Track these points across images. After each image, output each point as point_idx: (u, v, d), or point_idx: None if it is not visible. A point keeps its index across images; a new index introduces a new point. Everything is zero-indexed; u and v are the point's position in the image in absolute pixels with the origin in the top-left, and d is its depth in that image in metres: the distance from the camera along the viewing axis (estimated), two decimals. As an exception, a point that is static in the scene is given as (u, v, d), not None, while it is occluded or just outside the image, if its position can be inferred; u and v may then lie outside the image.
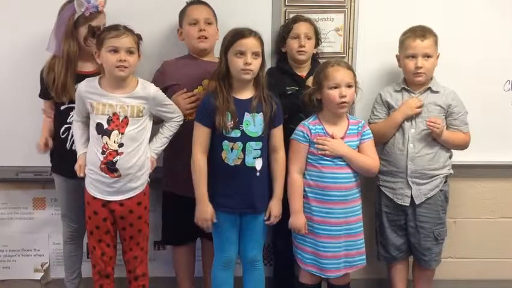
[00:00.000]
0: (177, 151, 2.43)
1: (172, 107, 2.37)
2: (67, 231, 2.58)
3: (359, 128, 2.38)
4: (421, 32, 2.47)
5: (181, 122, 2.39)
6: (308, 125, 2.35)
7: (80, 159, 2.30)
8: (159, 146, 2.37)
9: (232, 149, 2.25)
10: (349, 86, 2.29)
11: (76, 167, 2.29)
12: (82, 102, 2.26)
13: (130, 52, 2.19)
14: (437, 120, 2.42)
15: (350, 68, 2.36)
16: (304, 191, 2.36)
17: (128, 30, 2.21)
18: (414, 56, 2.47)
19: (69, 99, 2.34)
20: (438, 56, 2.51)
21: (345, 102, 2.29)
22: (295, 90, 2.51)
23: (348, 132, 2.36)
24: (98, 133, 2.22)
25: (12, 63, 2.60)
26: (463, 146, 2.56)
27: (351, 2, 2.71)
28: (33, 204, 2.86)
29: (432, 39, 2.47)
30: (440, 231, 2.57)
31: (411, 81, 2.52)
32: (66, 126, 2.39)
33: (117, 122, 2.23)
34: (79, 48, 2.35)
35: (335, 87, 2.29)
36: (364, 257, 2.41)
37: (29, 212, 2.87)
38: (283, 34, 2.57)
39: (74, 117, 2.34)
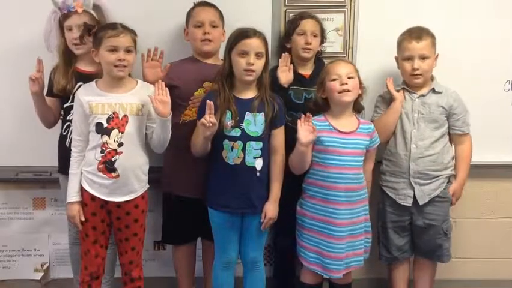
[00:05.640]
0: (177, 152, 2.42)
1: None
2: (74, 231, 2.51)
3: (370, 130, 2.38)
4: (417, 33, 2.47)
5: None
6: (313, 121, 2.33)
7: (75, 209, 2.25)
8: None
9: (232, 148, 2.25)
10: (350, 78, 2.30)
11: (72, 219, 2.25)
12: (82, 109, 2.22)
13: (128, 51, 2.19)
14: (455, 195, 2.57)
15: (351, 63, 2.38)
16: (310, 190, 2.36)
17: (125, 28, 2.21)
18: (410, 58, 2.47)
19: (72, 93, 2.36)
20: (437, 56, 2.51)
21: (347, 90, 2.29)
22: (296, 89, 2.53)
23: (358, 130, 2.35)
24: (98, 132, 2.21)
25: (12, 63, 2.59)
26: (471, 152, 2.59)
27: (351, 2, 2.72)
28: (33, 204, 2.85)
29: (429, 40, 2.47)
30: (447, 227, 2.58)
31: (410, 82, 2.53)
32: (67, 123, 2.38)
33: (117, 121, 2.21)
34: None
35: (336, 79, 2.30)
36: (361, 258, 2.41)
37: (29, 212, 2.86)
38: (289, 30, 2.57)
39: (74, 143, 2.27)
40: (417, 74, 2.47)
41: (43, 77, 2.35)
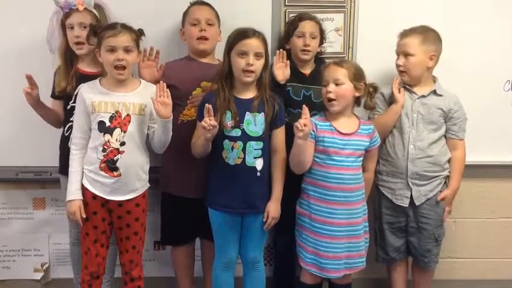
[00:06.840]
0: (176, 152, 2.41)
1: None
2: (74, 232, 2.51)
3: (370, 131, 2.37)
4: (408, 30, 2.47)
5: None
6: (314, 121, 2.33)
7: (76, 204, 2.23)
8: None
9: (232, 148, 2.25)
10: (337, 84, 2.28)
11: (73, 215, 2.23)
12: (84, 106, 2.23)
13: (127, 51, 2.19)
14: (446, 201, 2.55)
15: (345, 67, 2.31)
16: (308, 189, 2.36)
17: (125, 28, 2.20)
18: (397, 54, 2.49)
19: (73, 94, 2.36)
20: (432, 56, 2.47)
21: (330, 98, 2.29)
22: (295, 86, 2.53)
23: (359, 131, 2.35)
24: (100, 131, 2.21)
25: (13, 64, 2.60)
26: (464, 159, 2.57)
27: (351, 2, 2.72)
28: (33, 204, 2.85)
29: (416, 38, 2.44)
30: (440, 233, 2.57)
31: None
32: (69, 124, 2.37)
33: (119, 120, 2.22)
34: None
35: (325, 85, 2.32)
36: (364, 259, 2.41)
37: (29, 212, 2.86)
38: (288, 31, 2.57)
39: (75, 140, 2.26)
40: (401, 71, 2.48)
41: (37, 90, 2.33)
